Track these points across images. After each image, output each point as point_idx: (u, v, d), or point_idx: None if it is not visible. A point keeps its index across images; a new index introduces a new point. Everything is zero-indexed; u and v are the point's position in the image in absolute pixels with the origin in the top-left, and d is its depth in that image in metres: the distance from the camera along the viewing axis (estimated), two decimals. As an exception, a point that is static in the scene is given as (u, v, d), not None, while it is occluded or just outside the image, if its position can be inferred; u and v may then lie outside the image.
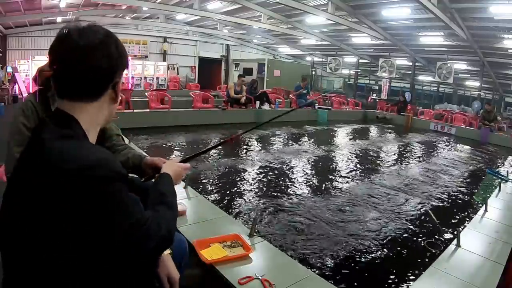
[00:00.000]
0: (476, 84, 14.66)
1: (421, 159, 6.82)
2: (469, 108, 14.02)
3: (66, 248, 0.72)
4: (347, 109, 12.83)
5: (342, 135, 9.32)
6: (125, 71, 0.93)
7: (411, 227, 3.29)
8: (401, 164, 6.19)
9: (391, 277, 2.40)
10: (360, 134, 9.40)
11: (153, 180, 1.41)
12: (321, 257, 2.57)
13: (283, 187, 4.17)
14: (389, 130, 10.54)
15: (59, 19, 12.78)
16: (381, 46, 14.30)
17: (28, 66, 11.10)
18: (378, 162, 6.17)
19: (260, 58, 18.47)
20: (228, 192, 3.85)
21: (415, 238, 3.04)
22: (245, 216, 3.22)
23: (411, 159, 6.73)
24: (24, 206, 0.73)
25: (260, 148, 6.53)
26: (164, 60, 16.56)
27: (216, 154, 5.79)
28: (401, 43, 12.95)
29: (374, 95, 17.71)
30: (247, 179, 4.41)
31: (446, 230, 3.22)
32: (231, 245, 1.88)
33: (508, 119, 12.37)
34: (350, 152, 6.72)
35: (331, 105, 12.32)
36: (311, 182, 4.52)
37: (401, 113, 12.27)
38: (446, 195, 4.38)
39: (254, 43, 19.94)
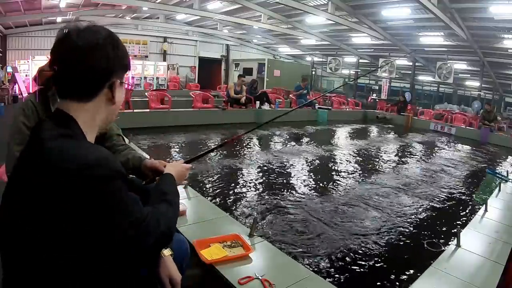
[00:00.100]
0: (476, 84, 14.67)
1: (421, 159, 6.82)
2: (469, 108, 14.02)
3: (66, 248, 0.72)
4: (347, 109, 12.83)
5: (342, 135, 9.32)
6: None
7: (411, 227, 3.29)
8: (401, 164, 6.19)
9: (391, 277, 2.40)
10: (360, 134, 9.40)
11: (154, 183, 1.42)
12: (321, 257, 2.57)
13: (283, 187, 4.17)
14: (389, 130, 10.53)
15: (59, 19, 12.78)
16: (381, 46, 14.30)
17: (28, 66, 11.11)
18: (378, 162, 6.17)
19: (260, 58, 18.47)
20: (228, 192, 3.85)
21: (415, 238, 3.04)
22: (245, 216, 3.22)
23: (411, 159, 6.73)
24: (24, 206, 0.73)
25: (260, 148, 6.53)
26: (164, 60, 16.57)
27: (216, 154, 5.79)
28: (401, 43, 12.95)
29: (374, 95, 17.71)
30: (247, 179, 4.41)
31: (446, 230, 3.22)
32: (231, 245, 1.88)
33: (508, 119, 12.37)
34: (350, 152, 6.72)
35: (331, 105, 12.33)
36: (311, 182, 4.52)
37: (401, 113, 12.27)
38: (446, 195, 4.38)
39: (254, 43, 19.94)
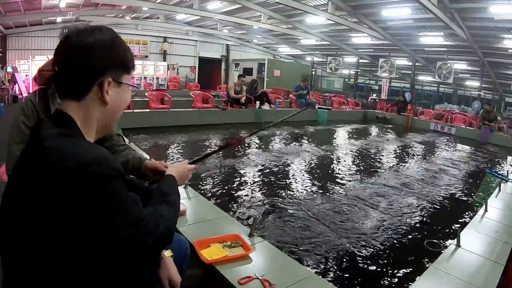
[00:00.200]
0: (476, 84, 14.66)
1: (421, 159, 6.82)
2: (469, 108, 14.01)
3: (65, 248, 0.72)
4: (347, 109, 12.83)
5: (342, 135, 9.32)
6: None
7: (411, 227, 3.29)
8: (401, 164, 6.19)
9: (391, 277, 2.40)
10: (360, 134, 9.40)
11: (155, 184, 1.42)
12: (321, 257, 2.57)
13: (283, 187, 4.17)
14: (389, 130, 10.53)
15: (59, 19, 12.78)
16: (381, 46, 14.30)
17: (28, 66, 11.11)
18: (378, 162, 6.17)
19: (260, 58, 18.47)
20: (228, 192, 3.85)
21: (415, 238, 3.04)
22: (245, 216, 3.22)
23: (411, 159, 6.73)
24: (24, 205, 0.73)
25: (260, 148, 6.53)
26: (164, 60, 16.56)
27: (216, 154, 5.79)
28: (401, 43, 12.95)
29: (374, 95, 17.70)
30: (247, 179, 4.41)
31: (446, 230, 3.22)
32: (231, 245, 1.88)
33: (508, 119, 12.36)
34: (350, 152, 6.72)
35: (331, 105, 12.32)
36: (311, 182, 4.52)
37: (401, 113, 12.27)
38: (446, 195, 4.38)
39: (254, 43, 19.94)
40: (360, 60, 16.88)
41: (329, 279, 2.27)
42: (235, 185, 4.12)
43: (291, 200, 3.74)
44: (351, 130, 9.95)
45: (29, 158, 0.77)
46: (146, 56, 15.98)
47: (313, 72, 19.19)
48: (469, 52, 12.01)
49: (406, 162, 6.38)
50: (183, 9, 11.53)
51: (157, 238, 0.83)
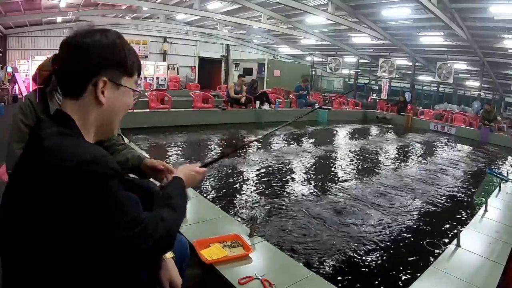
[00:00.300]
0: (476, 84, 14.66)
1: (421, 159, 6.82)
2: (469, 108, 14.02)
3: (65, 247, 0.72)
4: (347, 109, 12.83)
5: (342, 135, 9.32)
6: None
7: (411, 227, 3.29)
8: (401, 164, 6.19)
9: (391, 277, 2.40)
10: (360, 134, 9.40)
11: (151, 179, 1.42)
12: (321, 257, 2.57)
13: (283, 187, 4.17)
14: (389, 130, 10.54)
15: (59, 19, 12.79)
16: (381, 46, 14.30)
17: (28, 66, 11.10)
18: (378, 162, 6.17)
19: (260, 58, 18.48)
20: (228, 192, 3.85)
21: (415, 238, 3.04)
22: (245, 216, 3.22)
23: (411, 159, 6.73)
24: (23, 205, 0.73)
25: (260, 148, 6.52)
26: (164, 60, 16.56)
27: (216, 154, 5.79)
28: (401, 43, 12.95)
29: (374, 95, 17.70)
30: (247, 179, 4.41)
31: (446, 230, 3.22)
32: (231, 245, 1.88)
33: (508, 119, 12.36)
34: (350, 152, 6.72)
35: (331, 105, 12.32)
36: (311, 182, 4.52)
37: (401, 113, 12.27)
38: (446, 195, 4.38)
39: (254, 43, 19.94)
40: (360, 60, 16.88)
41: (329, 279, 2.27)
42: (235, 185, 4.12)
43: (291, 200, 3.74)
44: (351, 130, 9.95)
45: (29, 158, 0.78)
46: (146, 56, 15.98)
47: (313, 72, 19.20)
48: (469, 52, 12.01)
49: (406, 162, 6.38)
50: (183, 9, 11.53)
51: (156, 241, 0.81)
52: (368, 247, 2.79)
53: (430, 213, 3.71)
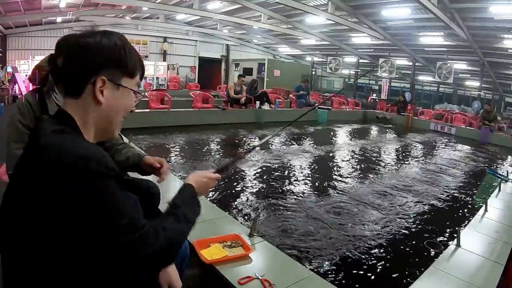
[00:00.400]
0: (476, 84, 14.66)
1: (421, 159, 6.82)
2: (469, 108, 14.02)
3: (65, 247, 0.72)
4: (347, 109, 12.83)
5: (342, 135, 9.32)
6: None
7: (411, 227, 3.29)
8: (401, 164, 6.19)
9: (391, 277, 2.41)
10: (360, 134, 9.40)
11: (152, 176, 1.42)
12: (321, 257, 2.57)
13: (283, 187, 4.17)
14: (389, 130, 10.54)
15: (59, 19, 12.79)
16: (381, 46, 14.30)
17: (28, 66, 11.10)
18: (378, 162, 6.17)
19: (260, 58, 18.48)
20: (228, 192, 3.85)
21: (415, 238, 3.04)
22: (245, 216, 3.22)
23: (411, 159, 6.73)
24: (23, 204, 0.73)
25: (260, 148, 6.52)
26: (164, 60, 16.56)
27: (216, 154, 5.80)
28: (401, 43, 12.95)
29: (374, 95, 17.71)
30: (247, 179, 4.41)
31: (446, 230, 3.22)
32: (231, 245, 1.88)
33: (508, 119, 12.36)
34: (350, 152, 6.72)
35: (331, 105, 12.32)
36: (311, 182, 4.52)
37: (401, 113, 12.26)
38: (446, 195, 4.38)
39: (254, 43, 19.94)
40: (360, 60, 16.89)
41: (329, 279, 2.27)
42: (235, 184, 4.12)
43: (291, 200, 3.74)
44: (351, 130, 9.95)
45: (28, 157, 0.78)
46: (146, 56, 15.97)
47: (313, 72, 19.20)
48: (469, 52, 12.01)
49: (406, 162, 6.38)
50: (183, 9, 11.53)
51: (156, 251, 0.79)
52: (368, 247, 2.79)
53: (430, 213, 3.71)
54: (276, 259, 1.87)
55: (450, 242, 2.48)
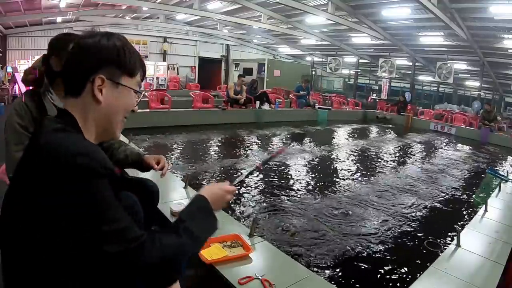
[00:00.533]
0: (476, 84, 14.66)
1: (421, 159, 6.82)
2: (469, 108, 14.02)
3: (64, 247, 0.72)
4: (347, 109, 12.83)
5: (342, 135, 9.32)
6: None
7: (411, 227, 3.29)
8: (401, 164, 6.19)
9: (391, 277, 2.40)
10: (360, 134, 9.40)
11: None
12: (321, 257, 2.57)
13: (283, 187, 4.16)
14: (389, 130, 10.53)
15: (59, 19, 12.79)
16: (381, 46, 14.30)
17: (28, 66, 11.09)
18: (378, 162, 6.17)
19: (260, 58, 18.48)
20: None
21: (415, 238, 3.04)
22: (245, 216, 3.22)
23: (411, 159, 6.73)
24: (23, 204, 0.73)
25: (260, 148, 6.53)
26: (164, 60, 16.57)
27: (216, 154, 5.80)
28: (401, 43, 12.95)
29: (374, 95, 17.70)
30: (247, 179, 4.40)
31: (446, 230, 3.22)
32: (231, 245, 1.88)
33: (508, 119, 12.36)
34: (350, 152, 6.72)
35: (331, 105, 12.32)
36: (311, 182, 4.52)
37: (401, 113, 12.26)
38: (446, 195, 4.38)
39: (254, 43, 19.94)
40: (360, 60, 16.88)
41: (329, 279, 2.27)
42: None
43: (291, 200, 3.74)
44: (351, 130, 9.95)
45: (28, 156, 0.78)
46: (146, 56, 15.97)
47: (313, 72, 19.20)
48: (469, 52, 12.01)
49: (406, 162, 6.38)
50: (183, 9, 11.53)
51: (148, 267, 0.74)
52: (368, 247, 2.79)
53: (430, 213, 3.71)
54: (276, 259, 1.86)
55: (450, 242, 2.48)
